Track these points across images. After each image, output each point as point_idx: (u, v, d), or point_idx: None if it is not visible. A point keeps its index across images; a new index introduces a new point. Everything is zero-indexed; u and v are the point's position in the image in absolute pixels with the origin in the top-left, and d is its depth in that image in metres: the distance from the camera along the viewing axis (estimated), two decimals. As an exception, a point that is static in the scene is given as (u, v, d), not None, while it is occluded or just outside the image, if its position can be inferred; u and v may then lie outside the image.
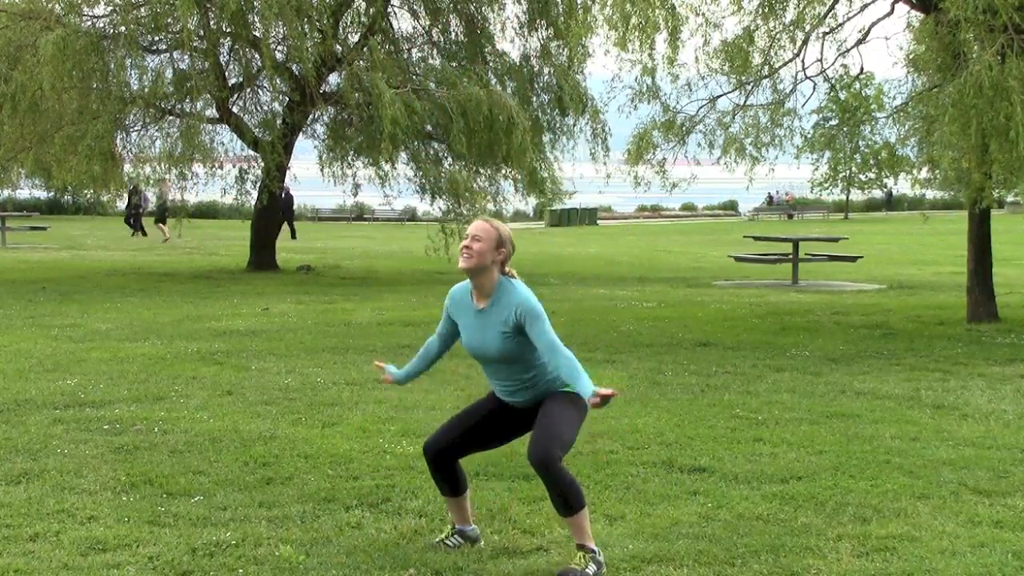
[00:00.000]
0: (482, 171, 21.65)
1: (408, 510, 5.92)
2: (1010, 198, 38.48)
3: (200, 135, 21.23)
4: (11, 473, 6.58)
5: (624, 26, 14.30)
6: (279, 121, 22.47)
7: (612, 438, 7.55)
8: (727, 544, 5.39)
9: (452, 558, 5.18)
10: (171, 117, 21.90)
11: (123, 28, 19.73)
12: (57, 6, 20.34)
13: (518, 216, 42.93)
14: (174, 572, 5.03)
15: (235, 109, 22.76)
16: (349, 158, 22.98)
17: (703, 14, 15.03)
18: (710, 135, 15.64)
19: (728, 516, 5.85)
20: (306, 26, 20.54)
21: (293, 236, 31.34)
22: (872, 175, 54.64)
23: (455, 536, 5.37)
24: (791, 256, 21.32)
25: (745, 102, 15.41)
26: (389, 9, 22.36)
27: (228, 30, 20.66)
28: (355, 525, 5.67)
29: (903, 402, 9.00)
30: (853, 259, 22.42)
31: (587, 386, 4.87)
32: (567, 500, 4.98)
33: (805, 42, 14.89)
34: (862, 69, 16.15)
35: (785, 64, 15.21)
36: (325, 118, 23.12)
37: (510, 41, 23.63)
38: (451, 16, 22.40)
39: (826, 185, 57.54)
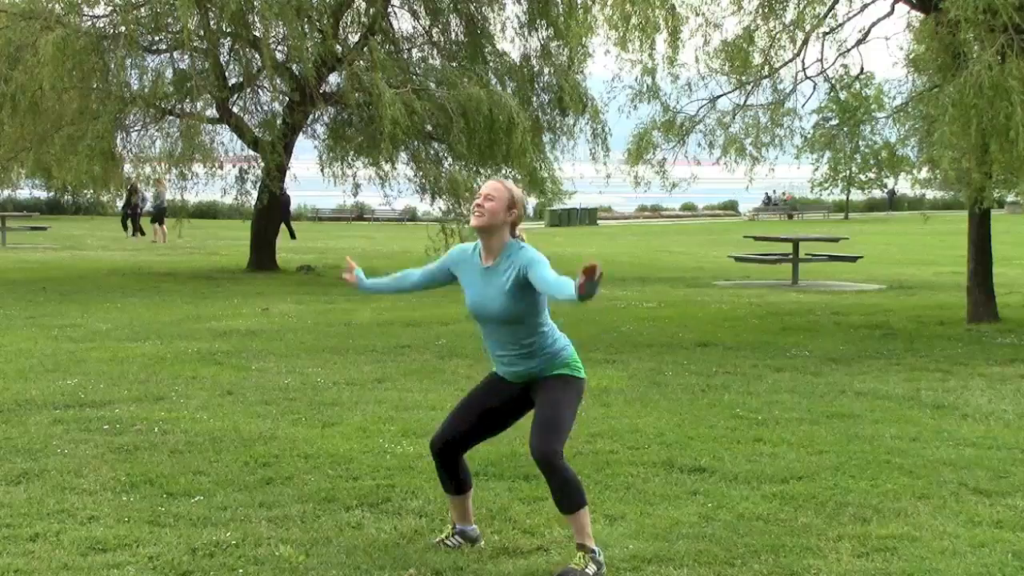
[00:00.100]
0: (482, 171, 21.64)
1: (408, 510, 5.92)
2: (1010, 198, 38.44)
3: (200, 135, 21.22)
4: (11, 473, 6.58)
5: (624, 26, 14.31)
6: (279, 121, 22.46)
7: (612, 438, 7.55)
8: (727, 544, 5.39)
9: (452, 558, 5.18)
10: (171, 117, 21.89)
11: (123, 28, 19.72)
12: (57, 6, 20.33)
13: (518, 216, 42.83)
14: (174, 572, 5.03)
15: (235, 109, 22.76)
16: (349, 158, 22.98)
17: (703, 14, 15.06)
18: (710, 135, 15.65)
19: (728, 516, 5.85)
20: (306, 26, 20.54)
21: (292, 236, 31.34)
22: (872, 175, 54.64)
23: (455, 536, 5.37)
24: (791, 256, 21.32)
25: (745, 102, 15.42)
26: (389, 9, 22.36)
27: (228, 30, 20.66)
28: (355, 525, 5.67)
29: (903, 402, 9.00)
30: (853, 259, 22.42)
31: (571, 285, 4.71)
32: (569, 497, 4.99)
33: (805, 42, 14.89)
34: (862, 69, 16.15)
35: (785, 64, 15.21)
36: (325, 118, 23.13)
37: (510, 41, 23.66)
38: (451, 16, 22.40)
39: (826, 185, 57.52)
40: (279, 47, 21.11)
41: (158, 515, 5.80)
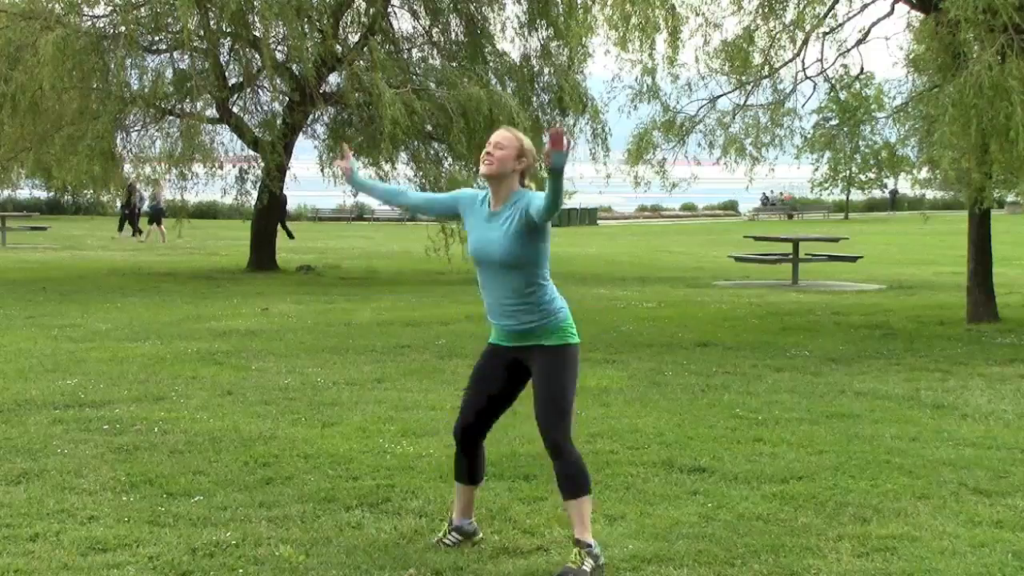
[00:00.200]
0: (482, 171, 21.64)
1: (408, 510, 5.92)
2: (1010, 198, 38.47)
3: (200, 135, 21.22)
4: (11, 473, 6.58)
5: (624, 26, 14.31)
6: (279, 121, 22.47)
7: (612, 438, 7.55)
8: (727, 544, 5.39)
9: (452, 558, 5.18)
10: (171, 117, 21.90)
11: (123, 28, 19.73)
12: (57, 6, 20.34)
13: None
14: (174, 572, 5.02)
15: (235, 109, 22.77)
16: (349, 158, 22.96)
17: (703, 14, 15.06)
18: (710, 135, 15.64)
19: (728, 516, 5.85)
20: (306, 26, 20.55)
21: (290, 236, 31.34)
22: (872, 175, 54.63)
23: (452, 534, 5.37)
24: (791, 256, 21.32)
25: (745, 102, 15.42)
26: (389, 9, 22.36)
27: (228, 30, 20.67)
28: (355, 525, 5.67)
29: (903, 402, 9.00)
30: (853, 259, 22.43)
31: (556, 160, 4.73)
32: (575, 481, 5.06)
33: (805, 42, 14.89)
34: (862, 69, 16.15)
35: (785, 64, 15.21)
36: (325, 118, 23.13)
37: (510, 41, 23.68)
38: (451, 16, 22.41)
39: (826, 185, 57.52)
40: (279, 47, 21.11)
41: (158, 515, 5.79)
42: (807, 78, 15.50)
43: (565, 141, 4.69)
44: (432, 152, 22.08)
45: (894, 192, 60.40)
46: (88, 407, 8.45)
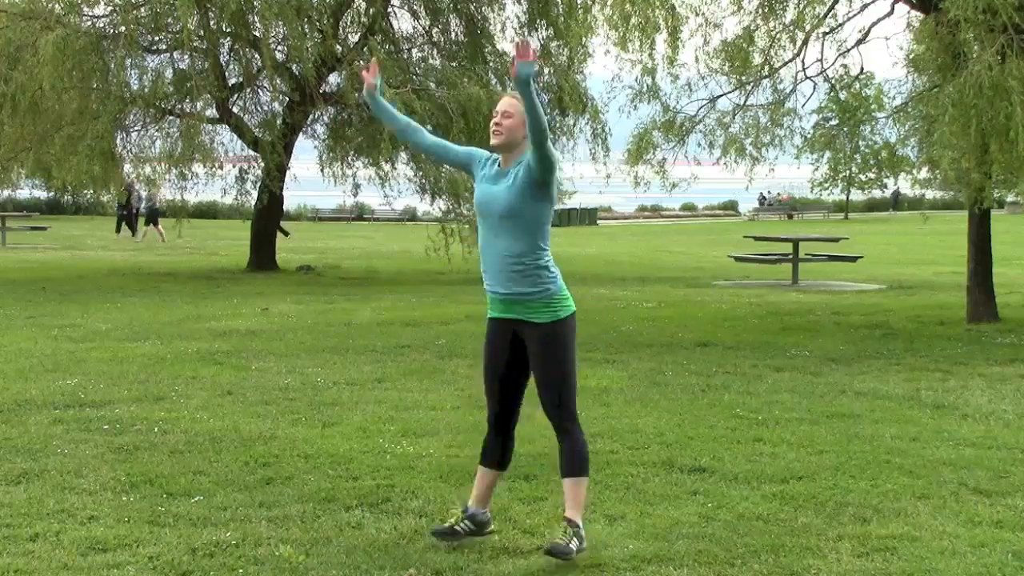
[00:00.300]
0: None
1: (408, 510, 5.92)
2: (1010, 198, 38.50)
3: (200, 135, 21.23)
4: (11, 473, 6.58)
5: (624, 26, 14.32)
6: (279, 121, 22.48)
7: (612, 438, 7.55)
8: (727, 544, 5.39)
9: (452, 558, 5.18)
10: (171, 117, 21.90)
11: (123, 28, 19.73)
12: (57, 6, 20.35)
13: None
14: (174, 572, 5.03)
15: (235, 109, 22.78)
16: (349, 158, 23.00)
17: (703, 14, 15.07)
18: (710, 135, 15.64)
19: (728, 516, 5.85)
20: (306, 26, 20.55)
21: (285, 233, 31.32)
22: (872, 175, 54.60)
23: (465, 521, 5.37)
24: (791, 256, 21.31)
25: (745, 102, 15.42)
26: (389, 9, 22.37)
27: (228, 30, 20.67)
28: (355, 525, 5.67)
29: (903, 402, 9.00)
30: (853, 259, 22.42)
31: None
32: (573, 460, 5.22)
33: (805, 42, 14.89)
34: (862, 69, 16.15)
35: (785, 64, 15.21)
36: (325, 118, 23.14)
37: (510, 41, 23.63)
38: (451, 16, 22.41)
39: (826, 185, 57.50)
40: (279, 47, 21.12)
41: (158, 515, 5.80)
42: (807, 78, 15.51)
43: (531, 52, 4.83)
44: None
45: (896, 192, 60.38)
46: (88, 407, 8.45)
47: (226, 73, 21.97)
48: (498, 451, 5.40)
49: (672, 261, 27.68)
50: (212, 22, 20.54)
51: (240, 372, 10.14)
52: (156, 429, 7.73)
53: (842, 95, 19.66)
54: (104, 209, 37.90)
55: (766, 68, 15.04)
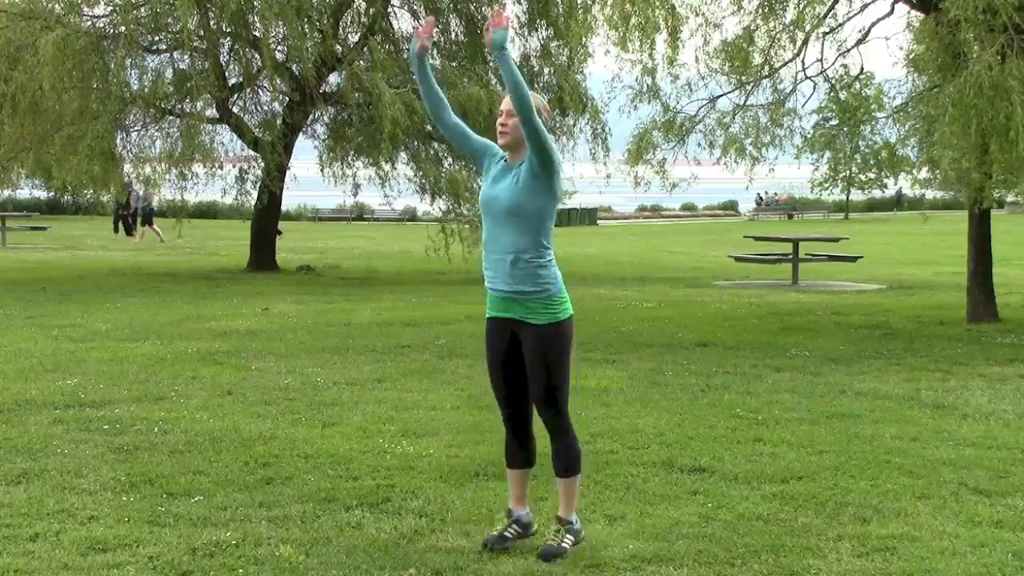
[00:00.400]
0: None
1: (408, 510, 5.92)
2: (1010, 198, 38.52)
3: (200, 135, 21.23)
4: (11, 473, 6.58)
5: (624, 26, 14.32)
6: (279, 121, 22.48)
7: (612, 438, 7.55)
8: (727, 544, 5.39)
9: (452, 558, 5.18)
10: (171, 117, 21.90)
11: (123, 28, 19.73)
12: (57, 6, 20.34)
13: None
14: (174, 572, 5.03)
15: (235, 109, 22.78)
16: (349, 158, 23.00)
17: (703, 14, 15.06)
18: (710, 135, 15.64)
19: (728, 516, 5.85)
20: (306, 26, 20.55)
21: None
22: (872, 175, 54.63)
23: (512, 527, 5.36)
24: (791, 256, 21.31)
25: (745, 102, 15.42)
26: (389, 9, 22.37)
27: (228, 30, 20.67)
28: (355, 525, 5.67)
29: (903, 402, 9.00)
30: (853, 259, 22.42)
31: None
32: (567, 460, 5.27)
33: (805, 42, 14.89)
34: (862, 69, 16.15)
35: (785, 64, 15.21)
36: (325, 118, 23.14)
37: (510, 41, 23.64)
38: (451, 16, 22.41)
39: (826, 185, 57.53)
40: (279, 47, 21.11)
41: (158, 515, 5.79)
42: (807, 78, 15.51)
43: (505, 19, 5.06)
44: (432, 152, 22.08)
45: (899, 192, 60.38)
46: (88, 407, 8.45)
47: (226, 73, 21.96)
48: (520, 451, 5.40)
49: (672, 261, 27.68)
50: (212, 22, 20.54)
51: (240, 372, 10.14)
52: (156, 429, 7.73)
53: (842, 95, 19.67)
54: (104, 209, 37.89)
55: (766, 68, 15.04)
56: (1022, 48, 11.61)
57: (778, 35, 14.79)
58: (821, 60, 15.32)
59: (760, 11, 14.62)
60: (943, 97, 12.03)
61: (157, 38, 21.17)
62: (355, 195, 24.27)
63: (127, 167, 23.42)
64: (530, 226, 5.14)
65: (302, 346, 11.83)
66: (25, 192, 44.31)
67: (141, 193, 32.52)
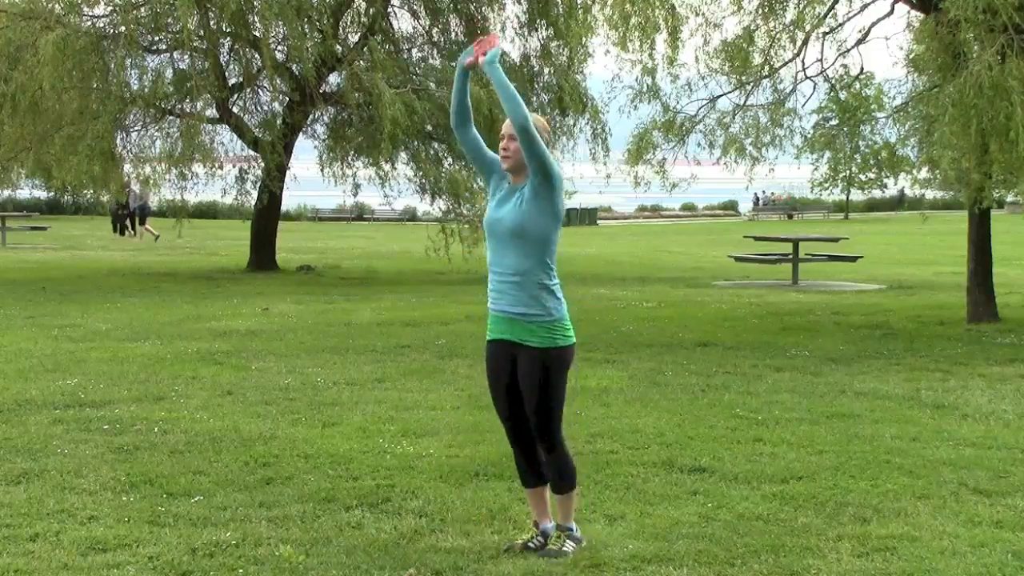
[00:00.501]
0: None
1: (408, 510, 5.92)
2: (1010, 198, 38.48)
3: (200, 135, 21.22)
4: (11, 473, 6.58)
5: (624, 26, 14.31)
6: (279, 121, 22.47)
7: (612, 438, 7.55)
8: (727, 544, 5.39)
9: (452, 558, 5.18)
10: (171, 117, 21.90)
11: (123, 28, 19.72)
12: (57, 6, 20.34)
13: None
14: (174, 572, 5.03)
15: (235, 109, 22.77)
16: (349, 158, 22.99)
17: (703, 14, 15.06)
18: (710, 135, 15.64)
19: (728, 516, 5.85)
20: (306, 26, 20.55)
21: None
22: (872, 175, 54.63)
23: (538, 537, 5.35)
24: (791, 256, 21.31)
25: (745, 102, 15.41)
26: (389, 9, 22.36)
27: (228, 30, 20.67)
28: (355, 525, 5.67)
29: (903, 402, 9.00)
30: (853, 259, 22.42)
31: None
32: (564, 479, 5.30)
33: (805, 42, 14.89)
34: (862, 69, 16.14)
35: (785, 64, 15.21)
36: (325, 118, 23.13)
37: (510, 41, 23.64)
38: (451, 16, 22.41)
39: (826, 185, 57.52)
40: (279, 47, 21.11)
41: (158, 515, 5.80)
42: (807, 78, 15.51)
43: (495, 40, 5.11)
44: (432, 152, 22.07)
45: (901, 192, 60.37)
46: (88, 407, 8.46)
47: (226, 73, 21.96)
48: (531, 470, 5.39)
49: (672, 261, 27.67)
50: (212, 22, 20.53)
51: (240, 372, 10.14)
52: (156, 429, 7.73)
53: (842, 95, 19.66)
54: (104, 209, 37.89)
55: (766, 68, 15.04)
56: (1022, 48, 11.60)
57: (778, 35, 14.79)
58: (821, 60, 15.33)
59: (760, 11, 14.63)
60: (943, 97, 12.03)
61: (157, 38, 21.16)
62: (355, 195, 24.27)
63: (127, 167, 23.41)
64: (534, 248, 5.14)
65: (302, 346, 11.83)
66: (25, 192, 44.29)
67: (138, 191, 32.51)
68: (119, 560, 5.14)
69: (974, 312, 14.32)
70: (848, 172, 56.29)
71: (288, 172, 23.19)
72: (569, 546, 5.24)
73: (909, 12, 15.30)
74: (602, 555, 5.22)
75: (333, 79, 22.52)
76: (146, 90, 20.63)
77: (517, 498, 6.10)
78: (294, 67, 21.32)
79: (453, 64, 21.62)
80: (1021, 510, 6.01)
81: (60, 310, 14.97)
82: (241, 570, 5.03)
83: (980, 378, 10.16)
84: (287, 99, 22.31)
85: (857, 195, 60.65)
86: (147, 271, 22.46)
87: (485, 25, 22.30)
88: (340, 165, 23.10)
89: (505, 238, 5.17)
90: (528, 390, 5.20)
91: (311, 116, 22.79)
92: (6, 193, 36.64)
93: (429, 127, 21.31)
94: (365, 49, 21.03)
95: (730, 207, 64.47)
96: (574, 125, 23.05)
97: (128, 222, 35.67)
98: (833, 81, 16.09)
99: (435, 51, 22.72)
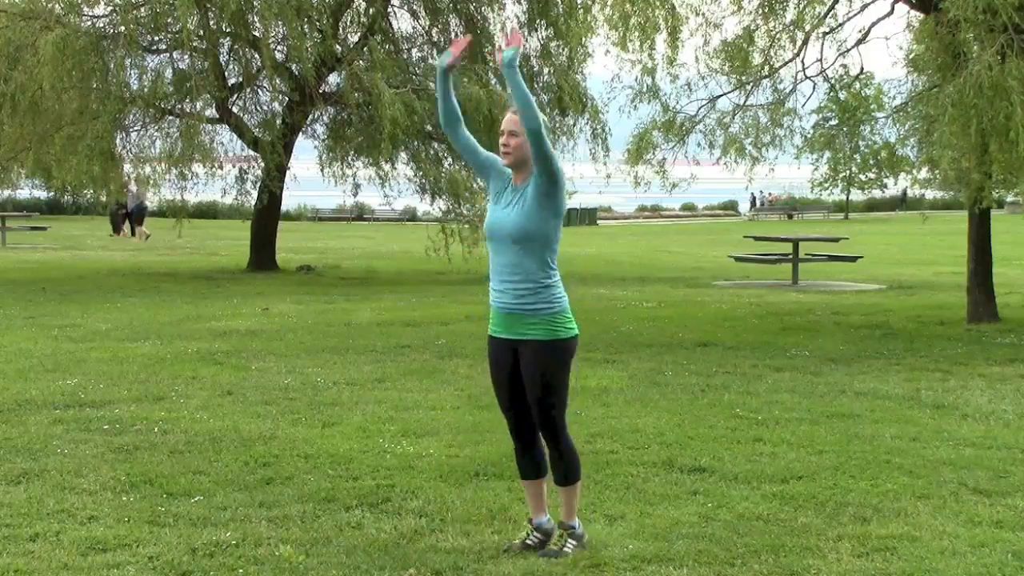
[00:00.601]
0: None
1: (408, 510, 5.92)
2: (1010, 198, 38.52)
3: (200, 135, 21.23)
4: (11, 473, 6.58)
5: (624, 26, 14.31)
6: (279, 121, 22.47)
7: (612, 438, 7.55)
8: (727, 544, 5.39)
9: (452, 558, 5.18)
10: (171, 117, 21.89)
11: (123, 28, 19.72)
12: (57, 6, 20.33)
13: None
14: (174, 572, 5.03)
15: (235, 109, 22.77)
16: (349, 158, 22.99)
17: (703, 14, 15.06)
18: (710, 135, 15.64)
19: (728, 516, 5.85)
20: (306, 26, 20.54)
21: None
22: (872, 175, 54.66)
23: (535, 533, 5.37)
24: (791, 256, 21.31)
25: (745, 102, 15.42)
26: (389, 9, 22.36)
27: (228, 30, 20.66)
28: (355, 525, 5.67)
29: (903, 402, 9.00)
30: (853, 259, 22.42)
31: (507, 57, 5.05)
32: (567, 471, 5.31)
33: (805, 42, 14.89)
34: (862, 69, 16.14)
35: (785, 64, 15.21)
36: (325, 118, 23.12)
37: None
38: (451, 16, 22.40)
39: (826, 185, 57.54)
40: (279, 47, 21.10)
41: (158, 515, 5.80)
42: (807, 78, 15.51)
43: (519, 39, 5.04)
44: (432, 152, 22.07)
45: (904, 192, 60.37)
46: (88, 407, 8.46)
47: (226, 73, 21.96)
48: (530, 463, 5.41)
49: (672, 261, 27.67)
50: (212, 22, 20.53)
51: (240, 372, 10.14)
52: (156, 429, 7.73)
53: (842, 95, 19.66)
54: (104, 209, 37.90)
55: (766, 68, 15.04)
56: (1022, 48, 11.60)
57: (778, 35, 14.79)
58: (821, 60, 15.33)
59: (760, 11, 14.63)
60: (943, 97, 12.03)
61: (157, 38, 21.16)
62: (355, 195, 24.27)
63: (127, 167, 23.41)
64: (536, 248, 5.14)
65: (302, 346, 11.83)
66: (25, 192, 44.24)
67: (135, 191, 32.51)
68: (119, 560, 5.14)
69: (974, 312, 14.32)
70: (848, 172, 56.31)
71: (288, 172, 23.19)
72: (570, 546, 5.25)
73: (909, 12, 15.31)
74: (602, 555, 5.23)
75: (333, 79, 22.52)
76: (146, 90, 20.62)
77: (517, 498, 6.11)
78: (294, 67, 21.31)
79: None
80: (1021, 510, 6.01)
81: (60, 310, 14.97)
82: (241, 570, 5.03)
83: (980, 378, 10.16)
84: (287, 99, 22.30)
85: (857, 195, 60.67)
86: (147, 271, 22.46)
87: (485, 25, 22.32)
88: (340, 165, 23.09)
89: (507, 240, 5.18)
90: (531, 383, 5.20)
91: (311, 116, 22.78)
92: (6, 193, 36.60)
93: (429, 127, 21.28)
94: (365, 49, 21.03)
95: (730, 207, 64.49)
96: (574, 125, 23.04)
97: (124, 222, 35.66)
98: (833, 81, 16.09)
99: (435, 51, 22.67)
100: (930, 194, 50.82)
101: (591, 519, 5.72)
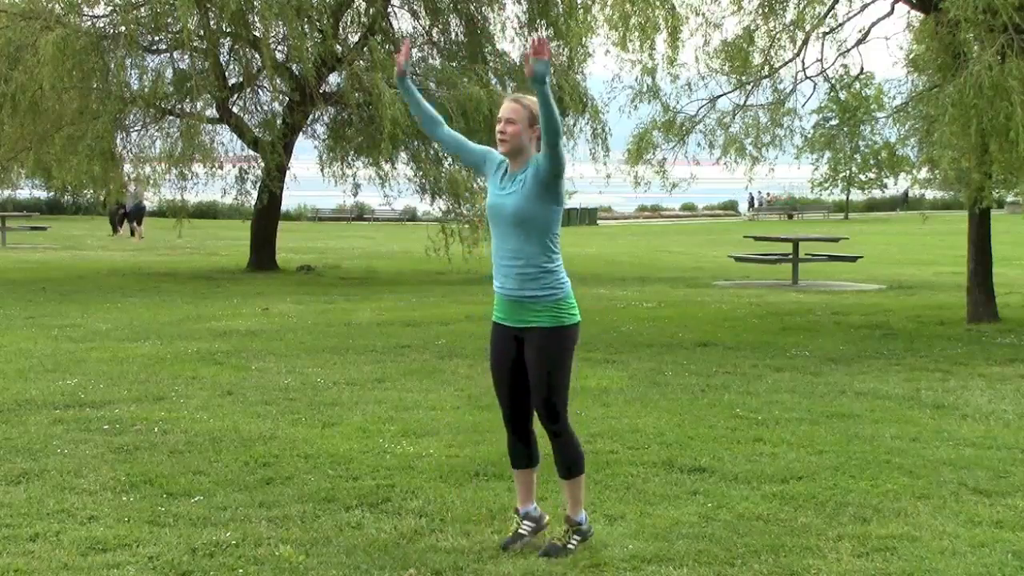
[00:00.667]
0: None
1: (408, 510, 5.92)
2: (1010, 198, 38.52)
3: (200, 135, 21.23)
4: (11, 473, 6.58)
5: (624, 26, 14.32)
6: (279, 121, 22.47)
7: (612, 438, 7.55)
8: (727, 544, 5.39)
9: (452, 558, 5.18)
10: (171, 117, 21.90)
11: (123, 28, 19.72)
12: (57, 6, 20.33)
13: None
14: (174, 572, 5.03)
15: (235, 109, 22.77)
16: (349, 158, 23.00)
17: (703, 14, 15.07)
18: (710, 135, 15.65)
19: (728, 516, 5.85)
20: (306, 26, 20.54)
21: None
22: (872, 175, 54.68)
23: (524, 522, 5.39)
24: (791, 256, 21.32)
25: (745, 102, 15.42)
26: (389, 9, 22.36)
27: (228, 30, 20.67)
28: (355, 525, 5.67)
29: (903, 402, 9.00)
30: (853, 259, 22.43)
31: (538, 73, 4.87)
32: (569, 463, 5.31)
33: (805, 42, 14.89)
34: (862, 69, 16.15)
35: (785, 64, 15.21)
36: (325, 118, 23.13)
37: (510, 41, 23.71)
38: (451, 16, 22.41)
39: (826, 185, 57.56)
40: (279, 47, 21.11)
41: (158, 515, 5.80)
42: (807, 78, 15.51)
43: (547, 49, 4.84)
44: (432, 152, 22.06)
45: (905, 192, 60.39)
46: (88, 407, 8.46)
47: (226, 73, 21.96)
48: (523, 451, 5.43)
49: (672, 261, 27.67)
50: (212, 22, 20.54)
51: (240, 372, 10.14)
52: (156, 429, 7.73)
53: (842, 95, 19.66)
54: (104, 209, 37.91)
55: (766, 68, 15.04)
56: (1022, 48, 11.60)
57: (778, 35, 14.79)
58: (821, 60, 15.33)
59: (760, 11, 14.63)
60: (943, 97, 12.03)
61: (157, 38, 21.16)
62: (355, 195, 24.28)
63: (127, 167, 23.41)
64: (537, 233, 5.15)
65: (302, 346, 11.83)
66: (25, 192, 44.26)
67: (133, 190, 32.52)
68: (119, 560, 5.14)
69: (974, 312, 14.32)
70: (848, 172, 56.34)
71: (288, 172, 23.19)
72: (574, 543, 5.24)
73: (909, 12, 15.31)
74: (602, 555, 5.23)
75: (333, 79, 22.52)
76: (146, 90, 20.63)
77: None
78: (294, 67, 21.32)
79: (453, 64, 21.67)
80: (1021, 510, 6.01)
81: (60, 310, 14.97)
82: (241, 570, 5.03)
83: (980, 378, 10.16)
84: (287, 99, 22.31)
85: (857, 195, 60.68)
86: (147, 271, 22.46)
87: (485, 25, 22.33)
88: (340, 165, 23.10)
89: (508, 224, 5.18)
90: (535, 369, 5.20)
91: (311, 116, 22.79)
92: (6, 193, 36.60)
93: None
94: (365, 49, 21.04)
95: (730, 207, 64.51)
96: (574, 125, 23.03)
97: (123, 222, 35.68)
98: (833, 81, 16.09)
99: (435, 51, 22.71)
100: (930, 194, 50.84)
101: (591, 519, 5.71)
